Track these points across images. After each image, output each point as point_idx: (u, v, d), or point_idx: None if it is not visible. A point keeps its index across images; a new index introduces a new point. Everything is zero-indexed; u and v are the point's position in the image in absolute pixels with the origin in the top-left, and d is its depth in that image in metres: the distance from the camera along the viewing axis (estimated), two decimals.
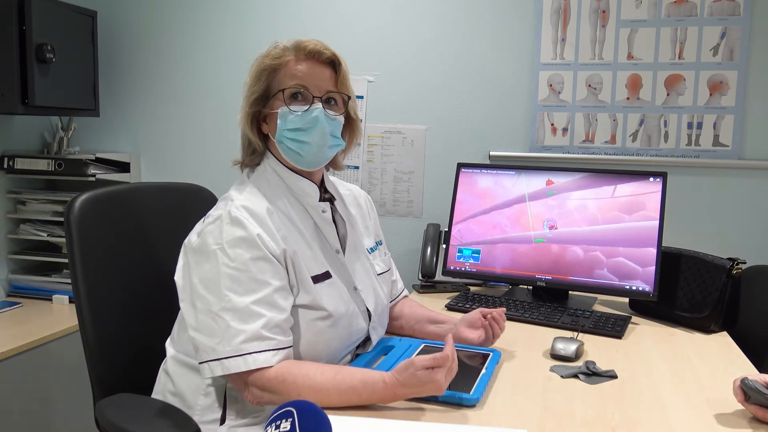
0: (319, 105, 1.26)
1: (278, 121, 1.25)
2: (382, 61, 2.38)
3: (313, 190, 1.31)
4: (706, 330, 1.67)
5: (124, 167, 2.55)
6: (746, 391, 1.13)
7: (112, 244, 1.41)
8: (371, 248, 1.47)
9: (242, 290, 1.14)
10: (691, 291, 1.71)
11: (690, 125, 2.15)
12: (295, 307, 1.22)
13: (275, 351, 1.14)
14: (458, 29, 2.31)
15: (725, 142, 2.12)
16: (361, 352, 1.37)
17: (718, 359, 1.48)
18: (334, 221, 1.36)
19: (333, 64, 1.29)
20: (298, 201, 1.30)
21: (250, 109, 1.27)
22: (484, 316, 1.43)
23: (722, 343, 1.60)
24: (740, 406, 1.15)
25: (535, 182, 1.95)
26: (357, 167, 2.43)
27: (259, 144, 1.30)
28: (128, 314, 1.41)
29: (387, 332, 1.48)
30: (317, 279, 1.26)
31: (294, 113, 1.25)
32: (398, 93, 2.38)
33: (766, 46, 2.07)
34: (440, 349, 1.20)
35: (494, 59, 2.29)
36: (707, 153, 2.14)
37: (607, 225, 1.84)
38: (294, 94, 1.25)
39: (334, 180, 1.46)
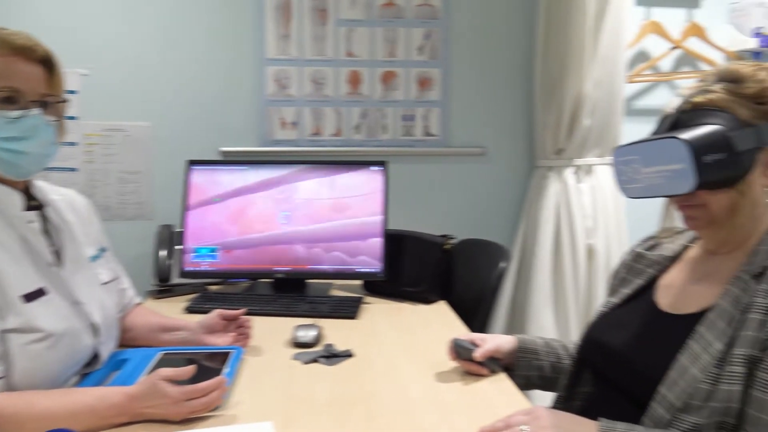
0: (36, 111, 1.13)
1: None
2: (97, 54, 2.20)
3: (16, 199, 1.17)
4: (427, 301, 1.86)
5: None
6: (457, 350, 1.29)
7: None
8: (94, 256, 1.36)
9: None
10: (413, 268, 1.89)
11: (405, 117, 2.36)
12: (3, 333, 1.07)
13: None
14: (181, 23, 2.23)
15: (434, 132, 2.38)
16: (90, 371, 1.25)
17: (438, 326, 1.67)
18: (47, 231, 1.23)
19: (46, 62, 1.16)
20: None
21: None
22: (226, 319, 1.42)
23: (441, 311, 1.80)
24: (455, 364, 1.32)
25: (267, 176, 1.97)
26: (74, 169, 2.21)
27: None
28: None
29: (121, 345, 1.38)
30: (30, 297, 1.12)
31: (8, 120, 1.09)
32: (118, 88, 2.22)
33: (462, 46, 2.36)
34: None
35: (219, 54, 2.26)
36: (420, 142, 2.38)
37: (337, 213, 1.94)
38: (6, 98, 1.10)
39: (42, 185, 1.30)
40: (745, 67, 1.00)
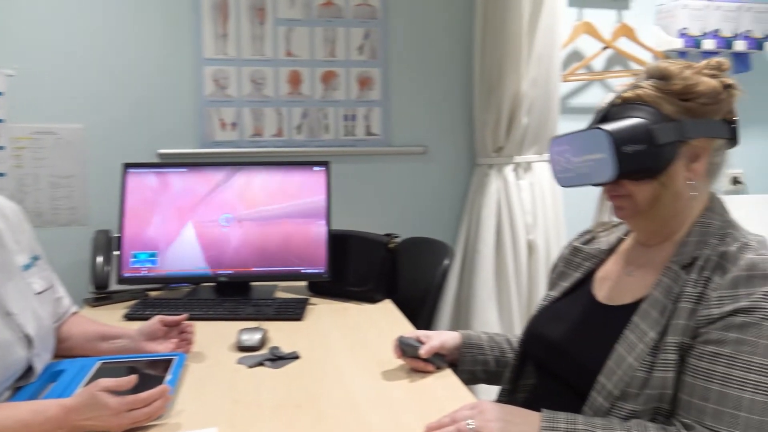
0: None
1: None
2: (24, 53, 2.10)
3: None
4: (373, 300, 1.86)
5: None
6: (402, 347, 1.30)
7: None
8: (26, 265, 1.30)
9: None
10: (358, 267, 1.89)
11: (346, 117, 2.36)
12: None
13: None
14: (114, 21, 2.15)
15: (376, 131, 2.38)
16: (24, 385, 1.20)
17: (384, 324, 1.67)
18: None
19: None
20: None
21: None
22: (167, 325, 1.39)
23: (386, 310, 1.81)
24: (402, 362, 1.32)
25: (208, 178, 1.94)
26: (2, 174, 2.12)
27: None
28: None
29: (58, 355, 1.33)
30: None
31: None
32: (47, 89, 2.13)
33: (401, 46, 2.37)
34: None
35: (155, 53, 2.19)
36: (362, 142, 2.38)
37: (280, 215, 1.93)
38: None
39: None
40: (673, 66, 1.05)
